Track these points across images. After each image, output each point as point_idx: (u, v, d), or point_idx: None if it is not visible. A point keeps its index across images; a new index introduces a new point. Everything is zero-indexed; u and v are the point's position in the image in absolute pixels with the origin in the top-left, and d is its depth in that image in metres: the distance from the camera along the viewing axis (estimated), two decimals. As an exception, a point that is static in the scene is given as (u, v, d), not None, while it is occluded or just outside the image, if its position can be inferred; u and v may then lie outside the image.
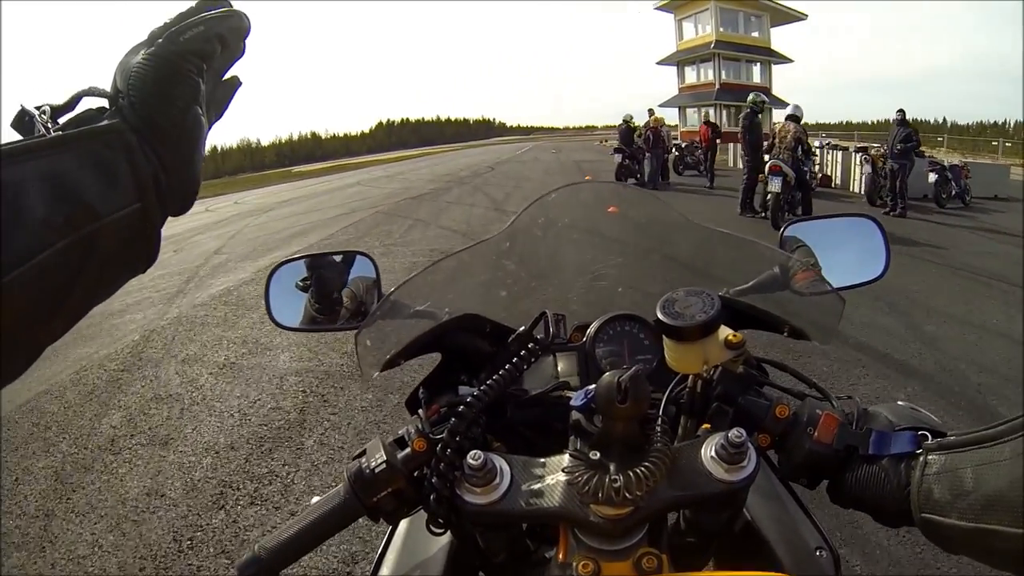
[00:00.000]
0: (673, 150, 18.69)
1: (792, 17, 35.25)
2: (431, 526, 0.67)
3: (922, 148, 13.39)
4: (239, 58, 0.61)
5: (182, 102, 0.53)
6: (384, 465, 0.65)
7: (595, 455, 0.61)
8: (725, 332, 0.69)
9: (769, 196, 9.40)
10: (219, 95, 0.62)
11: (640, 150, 15.09)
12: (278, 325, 1.19)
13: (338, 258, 1.23)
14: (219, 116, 0.63)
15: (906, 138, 11.60)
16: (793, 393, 0.75)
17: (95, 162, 0.48)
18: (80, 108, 0.52)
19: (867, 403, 0.70)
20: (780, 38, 35.57)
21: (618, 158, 14.98)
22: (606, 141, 51.86)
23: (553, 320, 0.85)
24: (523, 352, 0.76)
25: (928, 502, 0.56)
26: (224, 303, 6.51)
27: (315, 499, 0.68)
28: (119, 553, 2.62)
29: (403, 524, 0.89)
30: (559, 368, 1.00)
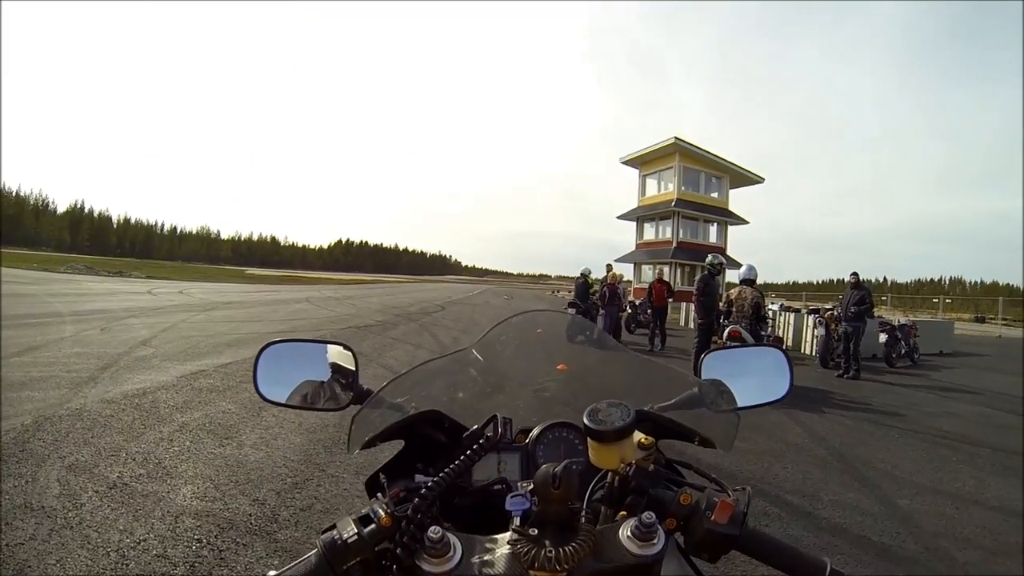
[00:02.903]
0: (627, 308, 18.76)
1: (751, 180, 37.47)
2: None
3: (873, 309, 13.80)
4: None
5: None
6: (355, 537, 0.75)
7: (534, 531, 0.75)
8: (639, 436, 0.87)
9: None
10: None
11: (595, 306, 14.96)
12: (264, 399, 1.28)
13: (321, 345, 1.35)
14: None
15: (860, 300, 11.97)
16: (696, 486, 0.88)
17: None
18: None
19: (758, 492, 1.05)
20: (736, 199, 37.41)
21: (571, 312, 14.78)
22: (558, 292, 53.23)
23: (501, 422, 1.02)
24: (475, 447, 0.91)
25: None
26: (136, 406, 5.98)
27: (272, 573, 0.72)
28: None
29: None
30: (503, 464, 1.17)
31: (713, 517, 0.79)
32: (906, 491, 4.99)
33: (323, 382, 1.30)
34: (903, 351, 14.93)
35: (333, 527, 0.76)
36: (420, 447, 1.20)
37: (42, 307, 15.90)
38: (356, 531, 0.75)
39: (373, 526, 0.76)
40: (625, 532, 0.75)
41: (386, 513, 0.77)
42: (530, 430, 1.22)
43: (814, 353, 14.83)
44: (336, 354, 1.33)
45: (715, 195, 35.72)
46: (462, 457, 0.89)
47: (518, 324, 1.50)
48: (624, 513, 0.84)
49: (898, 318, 19.26)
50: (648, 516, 0.73)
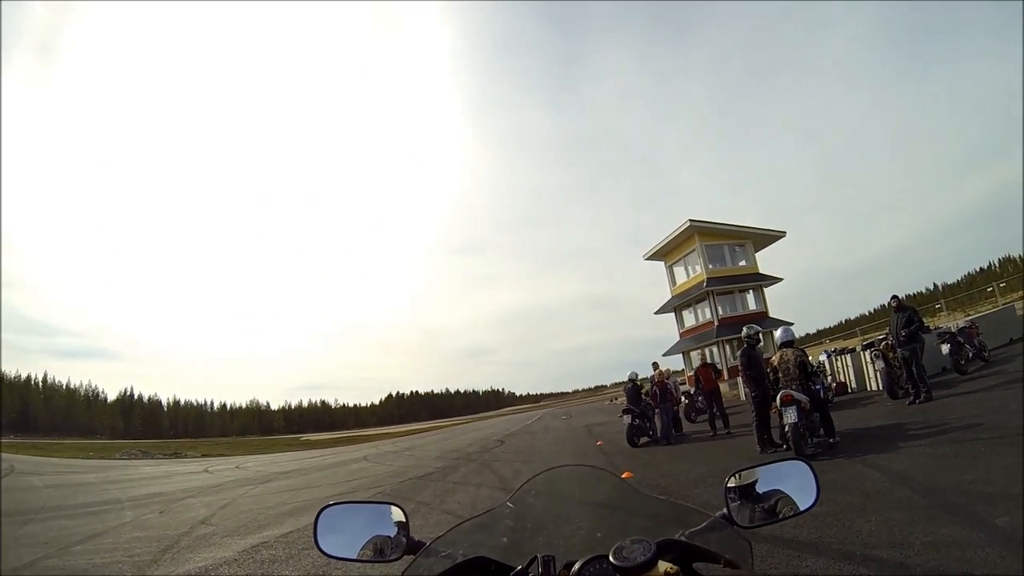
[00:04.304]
0: (683, 399, 18.23)
1: (773, 237, 36.13)
2: None
3: (926, 323, 12.80)
4: None
5: None
6: None
7: None
8: (664, 566, 0.98)
9: (787, 427, 8.63)
10: None
11: (649, 407, 14.56)
12: (324, 554, 1.41)
13: (375, 505, 1.51)
14: None
15: (907, 321, 11.32)
16: None
17: None
18: None
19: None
20: (765, 260, 36.08)
21: (627, 419, 14.19)
22: (615, 399, 52.32)
23: (542, 561, 1.12)
24: None
25: None
26: (197, 586, 5.71)
27: None
28: None
29: None
30: None
31: None
32: (1003, 507, 4.40)
33: (378, 537, 1.43)
34: (971, 354, 14.09)
35: None
36: None
37: (101, 495, 16.00)
38: None
39: None
40: None
41: None
42: (573, 564, 1.24)
43: (880, 387, 14.13)
44: (389, 512, 1.48)
45: (743, 263, 34.73)
46: None
47: (545, 476, 1.60)
48: None
49: (956, 323, 18.16)
50: None
